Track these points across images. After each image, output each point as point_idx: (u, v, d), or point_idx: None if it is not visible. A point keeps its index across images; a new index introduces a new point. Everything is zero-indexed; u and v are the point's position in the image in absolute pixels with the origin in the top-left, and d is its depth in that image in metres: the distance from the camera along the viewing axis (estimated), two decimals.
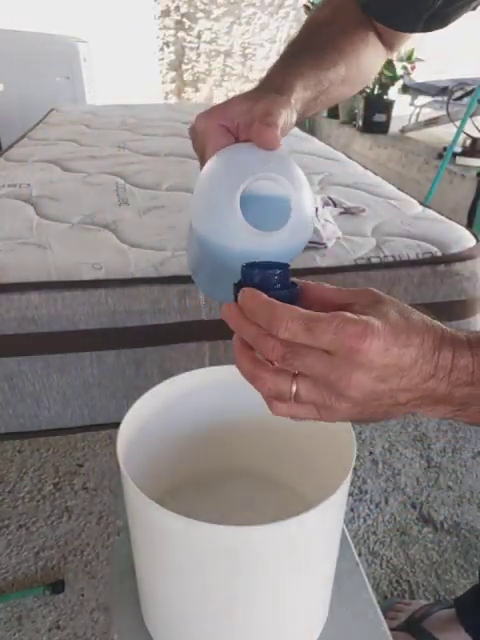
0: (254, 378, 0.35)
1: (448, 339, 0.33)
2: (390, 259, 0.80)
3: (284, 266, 0.37)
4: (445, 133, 2.97)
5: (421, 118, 3.12)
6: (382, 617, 0.52)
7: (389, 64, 3.07)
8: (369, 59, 0.62)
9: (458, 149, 2.34)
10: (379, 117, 3.19)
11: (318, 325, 0.32)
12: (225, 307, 0.36)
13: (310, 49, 0.58)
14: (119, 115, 2.12)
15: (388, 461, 1.30)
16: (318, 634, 0.50)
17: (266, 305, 0.33)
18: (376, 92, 3.15)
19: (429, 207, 1.04)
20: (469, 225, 2.13)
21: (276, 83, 0.51)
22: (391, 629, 0.51)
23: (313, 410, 0.35)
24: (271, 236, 0.40)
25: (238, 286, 0.37)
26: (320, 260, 0.80)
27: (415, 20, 0.61)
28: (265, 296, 0.34)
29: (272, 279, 0.36)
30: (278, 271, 0.36)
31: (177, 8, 4.44)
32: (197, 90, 4.80)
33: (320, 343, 0.32)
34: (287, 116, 0.45)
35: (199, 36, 4.58)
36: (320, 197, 1.02)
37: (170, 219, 0.95)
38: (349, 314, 0.32)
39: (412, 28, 0.63)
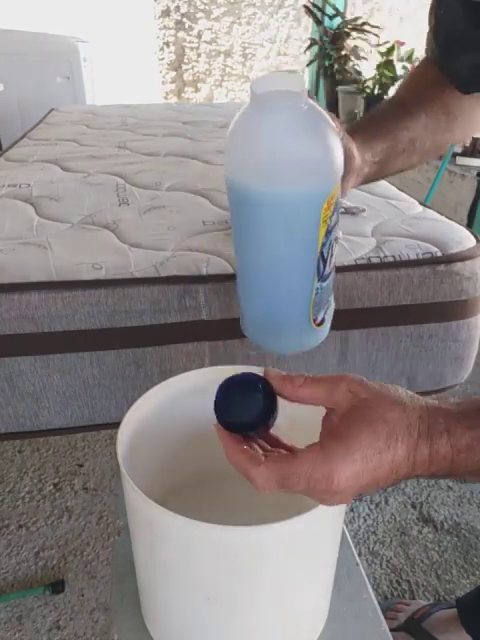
0: (244, 472, 0.37)
1: (425, 434, 0.34)
2: (390, 259, 0.79)
3: (257, 397, 0.39)
4: None
5: None
6: (382, 617, 0.52)
7: (389, 64, 3.07)
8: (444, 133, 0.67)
9: (458, 149, 2.34)
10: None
11: (290, 480, 0.35)
12: (216, 428, 0.39)
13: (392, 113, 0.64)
14: (119, 115, 2.12)
15: None
16: (318, 634, 0.50)
17: (240, 463, 0.37)
18: (376, 92, 3.15)
19: (429, 207, 1.04)
20: (469, 225, 2.13)
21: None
22: (391, 629, 0.51)
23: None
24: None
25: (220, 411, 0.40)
26: None
27: None
28: (235, 450, 0.37)
29: (247, 423, 0.39)
30: (251, 421, 0.39)
31: (177, 8, 4.44)
32: (197, 90, 4.80)
33: (296, 490, 0.35)
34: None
35: (199, 36, 4.58)
36: None
37: (170, 219, 0.95)
38: (313, 459, 0.34)
39: None
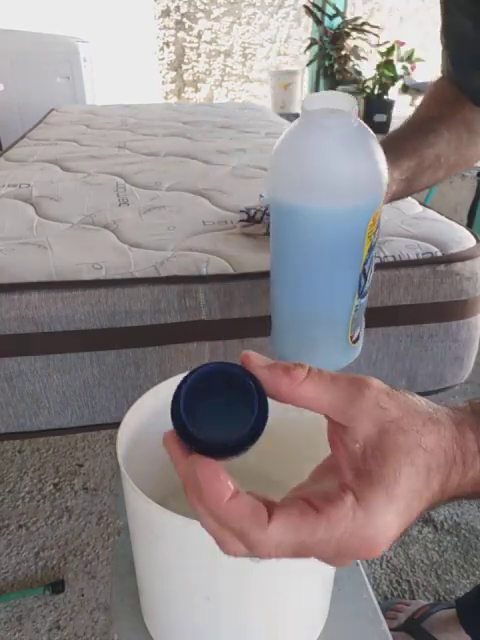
0: (239, 531, 0.25)
1: (459, 461, 0.27)
2: (390, 259, 0.79)
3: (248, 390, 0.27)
4: None
5: None
6: (382, 617, 0.52)
7: (389, 64, 3.07)
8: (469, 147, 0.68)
9: None
10: (379, 117, 3.19)
11: (314, 549, 0.25)
12: (168, 445, 0.28)
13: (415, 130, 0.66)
14: (119, 115, 2.12)
15: None
16: (318, 634, 0.50)
17: (238, 521, 0.25)
18: (376, 92, 3.15)
19: (429, 207, 1.04)
20: (469, 225, 2.13)
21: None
22: (391, 629, 0.51)
23: None
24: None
25: (177, 412, 0.27)
26: None
27: None
28: (229, 499, 0.25)
29: (233, 445, 0.27)
30: (242, 440, 0.27)
31: (177, 8, 4.44)
32: (197, 90, 4.80)
33: (316, 558, 0.26)
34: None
35: (199, 36, 4.58)
36: None
37: (170, 219, 0.95)
38: (351, 513, 0.25)
39: None
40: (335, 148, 0.44)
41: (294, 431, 0.55)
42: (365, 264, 0.50)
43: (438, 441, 0.27)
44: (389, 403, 0.27)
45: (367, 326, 0.79)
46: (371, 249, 0.50)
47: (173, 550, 0.41)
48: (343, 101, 0.44)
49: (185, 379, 0.27)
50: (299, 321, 0.55)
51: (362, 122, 0.46)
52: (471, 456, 0.27)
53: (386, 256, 0.80)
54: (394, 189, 0.61)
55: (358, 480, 0.26)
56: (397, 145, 0.62)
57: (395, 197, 0.64)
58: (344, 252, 0.49)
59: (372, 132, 0.47)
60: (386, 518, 0.24)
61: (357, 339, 0.57)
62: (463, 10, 0.60)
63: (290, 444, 0.56)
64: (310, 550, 0.25)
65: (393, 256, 0.80)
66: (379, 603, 0.54)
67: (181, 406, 0.26)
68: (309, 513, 0.25)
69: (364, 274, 0.51)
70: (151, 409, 0.51)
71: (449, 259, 0.81)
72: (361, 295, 0.53)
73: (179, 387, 0.27)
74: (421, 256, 0.81)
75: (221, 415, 0.27)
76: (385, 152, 0.57)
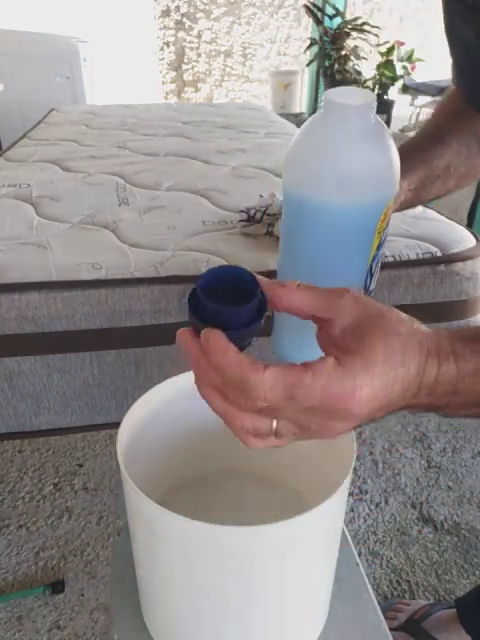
0: (228, 417, 0.32)
1: (434, 353, 0.32)
2: (390, 259, 0.80)
3: (250, 287, 0.33)
4: None
5: (421, 118, 3.13)
6: (382, 617, 0.52)
7: (389, 64, 3.07)
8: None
9: None
10: (379, 117, 3.19)
11: (301, 391, 0.29)
12: (183, 337, 0.33)
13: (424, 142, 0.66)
14: (119, 115, 2.12)
15: (388, 461, 1.30)
16: (318, 634, 0.50)
17: (238, 368, 0.30)
18: (376, 92, 3.15)
19: (429, 207, 1.04)
20: (469, 225, 2.13)
21: None
22: (391, 629, 0.52)
23: (292, 438, 0.34)
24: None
25: (194, 304, 0.32)
26: None
27: None
28: (233, 352, 0.30)
29: (238, 316, 0.31)
30: (244, 307, 0.32)
31: (177, 8, 4.44)
32: (197, 90, 4.80)
33: (305, 406, 0.30)
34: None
35: (199, 36, 4.58)
36: None
37: (170, 219, 0.95)
38: (328, 372, 0.30)
39: None
40: (350, 142, 0.44)
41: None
42: (373, 261, 0.50)
43: (413, 332, 0.32)
44: (367, 302, 0.32)
45: None
46: (380, 246, 0.50)
47: (173, 550, 0.41)
48: (363, 96, 0.44)
49: (201, 276, 0.32)
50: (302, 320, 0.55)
51: (380, 119, 0.46)
52: (445, 354, 0.31)
53: (386, 256, 0.80)
54: (402, 199, 0.61)
55: (339, 351, 0.31)
56: (407, 156, 0.63)
57: (403, 207, 0.64)
58: (353, 247, 0.48)
59: (388, 131, 0.47)
60: (362, 377, 0.29)
61: None
62: (465, 19, 0.60)
63: (291, 445, 0.56)
64: (298, 391, 0.29)
65: (393, 256, 0.80)
66: (379, 603, 0.54)
67: (199, 289, 0.31)
68: (298, 367, 0.30)
69: (370, 272, 0.51)
70: (151, 409, 0.51)
71: (449, 259, 0.81)
72: (367, 293, 0.52)
73: (204, 279, 0.32)
74: (421, 256, 0.81)
75: (230, 302, 0.31)
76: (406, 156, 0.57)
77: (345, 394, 0.29)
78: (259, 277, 0.33)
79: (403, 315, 0.33)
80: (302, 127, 0.47)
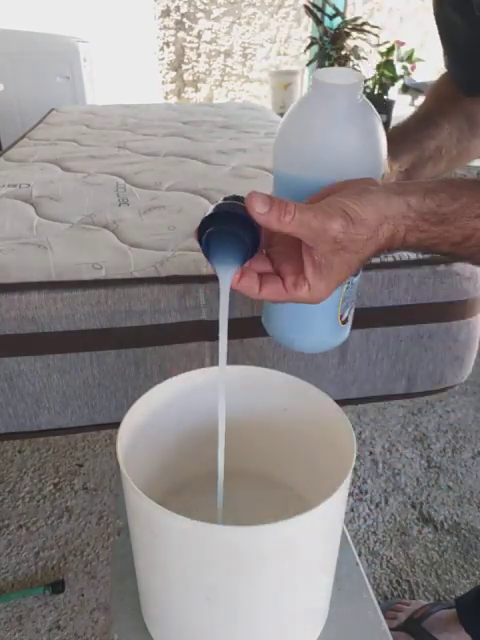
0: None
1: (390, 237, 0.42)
2: (390, 259, 0.79)
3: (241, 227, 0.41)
4: None
5: None
6: (382, 617, 0.52)
7: (389, 64, 3.07)
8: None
9: None
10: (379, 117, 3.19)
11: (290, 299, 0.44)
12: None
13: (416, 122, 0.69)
14: (119, 115, 2.12)
15: (388, 461, 1.30)
16: (318, 634, 0.50)
17: (246, 290, 0.44)
18: (376, 92, 3.15)
19: None
20: None
21: None
22: (391, 629, 0.52)
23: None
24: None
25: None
26: None
27: None
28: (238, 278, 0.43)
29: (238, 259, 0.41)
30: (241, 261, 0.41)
31: (177, 8, 4.44)
32: (197, 90, 4.80)
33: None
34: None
35: (199, 36, 4.58)
36: None
37: (170, 219, 0.95)
38: (306, 293, 0.43)
39: None
40: (332, 121, 0.45)
41: (294, 432, 0.55)
42: None
43: (374, 247, 0.42)
44: (343, 236, 0.40)
45: (367, 326, 0.80)
46: None
47: (173, 550, 0.41)
48: (350, 76, 0.45)
49: (207, 214, 0.43)
50: (280, 309, 0.56)
51: (367, 100, 0.46)
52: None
53: (386, 256, 0.80)
54: (393, 180, 0.61)
55: (314, 275, 0.42)
56: (398, 137, 0.63)
57: None
58: None
59: (376, 111, 0.47)
60: (324, 292, 0.43)
61: (346, 320, 0.56)
62: (452, 4, 0.61)
63: (290, 445, 0.56)
64: (282, 300, 0.44)
65: (393, 256, 0.80)
66: (379, 603, 0.54)
67: (205, 221, 0.42)
68: (283, 289, 0.43)
69: None
70: (151, 409, 0.51)
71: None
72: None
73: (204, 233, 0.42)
74: (421, 256, 0.81)
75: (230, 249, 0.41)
76: (389, 143, 0.58)
77: (309, 300, 0.43)
78: (259, 209, 0.40)
79: (374, 226, 0.41)
80: (291, 107, 0.48)
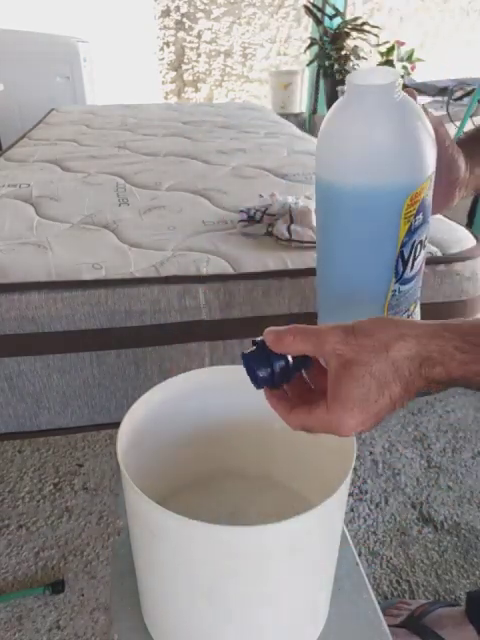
0: (280, 415, 0.43)
1: (415, 372, 0.37)
2: None
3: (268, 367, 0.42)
4: None
5: None
6: (382, 617, 0.52)
7: (389, 64, 3.07)
8: None
9: None
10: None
11: (311, 428, 0.41)
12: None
13: None
14: (119, 115, 2.12)
15: (388, 461, 1.30)
16: (318, 634, 0.50)
17: (276, 408, 0.43)
18: None
19: None
20: (469, 225, 2.13)
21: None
22: (391, 626, 0.51)
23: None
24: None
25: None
26: None
27: None
28: (273, 395, 0.43)
29: (258, 377, 0.42)
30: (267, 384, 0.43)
31: (177, 8, 4.44)
32: (197, 90, 4.80)
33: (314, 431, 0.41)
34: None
35: (199, 36, 4.58)
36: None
37: (170, 219, 0.95)
38: (322, 414, 0.39)
39: None
40: (364, 124, 0.43)
41: (294, 432, 0.55)
42: (403, 247, 0.47)
43: (386, 366, 0.37)
44: (344, 350, 0.38)
45: None
46: (411, 232, 0.47)
47: (173, 550, 0.41)
48: (384, 76, 0.43)
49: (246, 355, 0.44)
50: (335, 299, 0.54)
51: (407, 97, 0.44)
52: (430, 367, 0.37)
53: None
54: (476, 184, 0.57)
55: (330, 398, 0.39)
56: (477, 141, 0.60)
57: (478, 190, 0.60)
58: (376, 231, 0.47)
59: (420, 110, 0.45)
60: (344, 419, 0.38)
61: None
62: None
63: (291, 445, 0.56)
64: (310, 428, 0.41)
65: None
66: (379, 602, 0.54)
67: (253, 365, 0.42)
68: (306, 411, 0.41)
69: (402, 258, 0.48)
70: (151, 409, 0.51)
71: (449, 259, 0.81)
72: (400, 281, 0.50)
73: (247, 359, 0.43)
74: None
75: (257, 375, 0.42)
76: (472, 145, 0.55)
77: (334, 428, 0.39)
78: (269, 337, 0.42)
79: (383, 340, 0.38)
80: (329, 112, 0.46)
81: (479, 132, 0.61)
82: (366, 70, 0.44)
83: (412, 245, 0.48)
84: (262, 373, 0.42)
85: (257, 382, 0.42)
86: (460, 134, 2.29)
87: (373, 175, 0.44)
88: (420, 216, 0.47)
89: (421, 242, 0.50)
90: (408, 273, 0.50)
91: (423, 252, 0.51)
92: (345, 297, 0.52)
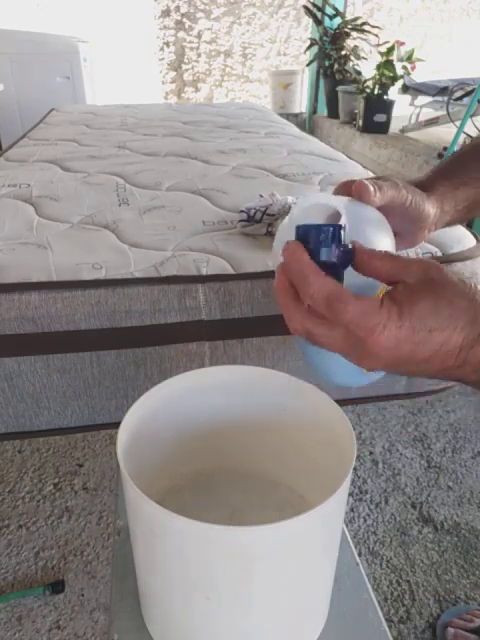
0: (284, 306, 0.37)
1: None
2: None
3: (337, 226, 0.37)
4: (445, 133, 2.97)
5: (421, 118, 3.13)
6: (382, 617, 0.52)
7: (389, 64, 3.07)
8: None
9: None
10: (379, 117, 3.19)
11: (337, 305, 0.33)
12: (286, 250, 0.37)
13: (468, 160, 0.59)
14: (119, 115, 2.12)
15: (388, 461, 1.30)
16: (318, 634, 0.50)
17: (299, 263, 0.35)
18: (376, 92, 3.14)
19: None
20: (469, 225, 2.13)
21: (422, 180, 0.54)
22: (465, 630, 0.50)
23: (326, 346, 0.36)
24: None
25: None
26: None
27: None
28: (305, 255, 0.35)
29: (319, 236, 0.36)
30: (326, 229, 0.36)
31: (177, 8, 4.44)
32: (197, 90, 4.80)
33: (335, 320, 0.33)
34: (407, 197, 0.48)
35: (199, 36, 4.58)
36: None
37: (170, 219, 0.95)
38: (368, 304, 0.33)
39: None
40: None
41: (294, 432, 0.55)
42: None
43: (469, 308, 0.32)
44: (434, 271, 0.33)
45: None
46: None
47: (173, 550, 0.41)
48: (328, 215, 0.43)
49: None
50: (314, 353, 0.55)
51: (357, 212, 0.43)
52: None
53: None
54: (448, 219, 0.56)
55: (387, 298, 0.33)
56: (457, 172, 0.57)
57: (451, 224, 0.59)
58: None
59: (366, 214, 0.45)
60: (388, 322, 0.32)
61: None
62: None
63: (290, 445, 0.56)
64: (336, 303, 0.33)
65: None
66: (454, 607, 0.53)
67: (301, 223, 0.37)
68: (351, 292, 0.34)
69: None
70: (151, 409, 0.51)
71: (449, 259, 0.81)
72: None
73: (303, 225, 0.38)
74: (421, 256, 0.81)
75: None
76: (442, 181, 0.52)
77: (367, 327, 0.32)
78: (358, 243, 0.36)
79: (474, 290, 0.33)
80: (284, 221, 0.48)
81: (454, 164, 0.59)
82: (313, 201, 0.43)
83: None
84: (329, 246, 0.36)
85: (321, 246, 0.36)
86: (459, 135, 2.29)
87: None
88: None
89: None
90: None
91: None
92: (323, 362, 0.53)
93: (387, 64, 3.08)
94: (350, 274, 0.40)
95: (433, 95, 2.96)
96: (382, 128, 3.20)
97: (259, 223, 0.89)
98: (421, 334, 0.32)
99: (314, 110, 4.27)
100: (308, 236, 0.36)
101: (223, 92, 4.86)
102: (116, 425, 0.46)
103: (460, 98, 2.63)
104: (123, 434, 0.46)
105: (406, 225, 0.50)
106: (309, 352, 0.57)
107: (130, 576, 0.53)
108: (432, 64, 3.79)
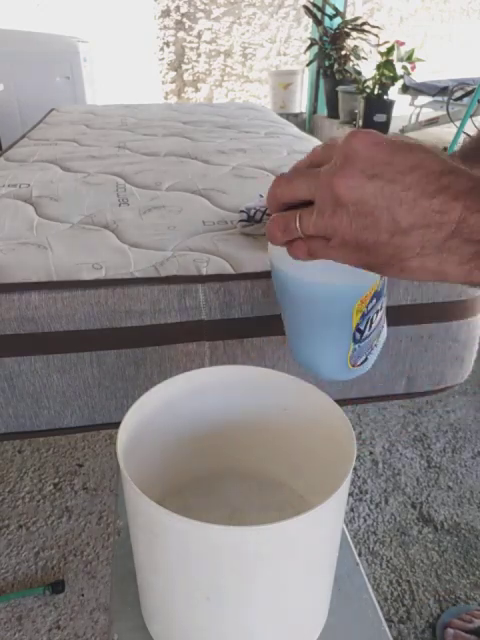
0: (272, 223, 0.39)
1: (462, 171, 0.31)
2: None
3: None
4: (445, 133, 2.97)
5: (421, 118, 3.13)
6: (382, 617, 0.52)
7: (389, 64, 3.07)
8: None
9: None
10: (379, 117, 3.19)
11: (302, 164, 0.38)
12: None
13: None
14: (119, 115, 2.12)
15: (388, 461, 1.30)
16: (318, 634, 0.50)
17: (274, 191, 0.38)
18: (376, 92, 3.15)
19: None
20: None
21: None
22: (464, 631, 0.50)
23: (322, 242, 0.37)
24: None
25: None
26: None
27: None
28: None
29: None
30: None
31: (177, 8, 4.44)
32: (197, 90, 4.80)
33: (315, 159, 0.37)
34: None
35: (199, 36, 4.58)
36: None
37: (170, 219, 0.95)
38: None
39: None
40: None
41: (294, 432, 0.55)
42: (359, 324, 0.52)
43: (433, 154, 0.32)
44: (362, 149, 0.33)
45: None
46: (365, 315, 0.52)
47: (173, 550, 0.41)
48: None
49: None
50: (300, 350, 0.59)
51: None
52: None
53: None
54: None
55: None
56: (475, 155, 0.56)
57: None
58: (330, 321, 0.52)
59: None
60: (369, 133, 0.32)
61: (362, 363, 0.58)
62: None
63: (290, 445, 0.56)
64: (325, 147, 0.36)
65: None
66: (454, 607, 0.54)
67: None
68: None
69: (359, 330, 0.53)
70: (151, 409, 0.51)
71: None
72: (358, 341, 0.54)
73: None
74: None
75: None
76: (464, 160, 0.53)
77: (345, 138, 0.33)
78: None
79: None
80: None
81: (472, 149, 0.58)
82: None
83: (368, 320, 0.53)
84: None
85: None
86: (459, 135, 2.30)
87: (329, 279, 0.46)
88: (374, 300, 0.51)
89: (377, 311, 0.54)
90: (366, 334, 0.54)
91: (382, 311, 0.56)
92: (309, 351, 0.57)
93: (387, 64, 3.09)
94: (343, 272, 0.42)
95: (433, 95, 2.96)
96: (382, 128, 3.21)
97: (259, 223, 0.89)
98: (404, 146, 0.32)
99: (314, 110, 4.27)
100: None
101: (223, 92, 4.86)
102: (116, 425, 0.46)
103: (460, 98, 2.63)
104: (123, 434, 0.46)
105: None
106: (297, 348, 0.58)
107: (130, 576, 0.53)
108: (432, 64, 3.79)
